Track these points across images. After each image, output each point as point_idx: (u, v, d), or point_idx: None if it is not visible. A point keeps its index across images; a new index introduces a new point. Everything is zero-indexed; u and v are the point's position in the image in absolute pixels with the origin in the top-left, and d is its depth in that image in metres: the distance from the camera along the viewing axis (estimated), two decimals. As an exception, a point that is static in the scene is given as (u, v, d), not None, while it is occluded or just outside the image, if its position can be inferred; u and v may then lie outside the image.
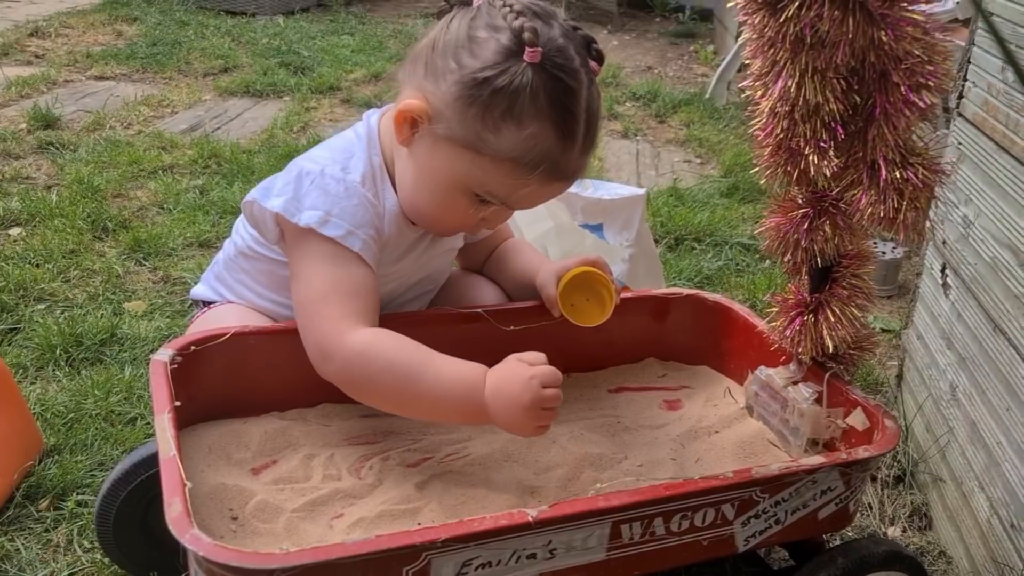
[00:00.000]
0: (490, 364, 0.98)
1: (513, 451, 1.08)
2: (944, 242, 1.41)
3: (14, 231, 2.14)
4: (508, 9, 0.98)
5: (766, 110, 0.94)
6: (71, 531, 1.21)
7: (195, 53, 4.18)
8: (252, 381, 1.10)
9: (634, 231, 1.73)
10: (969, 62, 1.36)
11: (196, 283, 1.28)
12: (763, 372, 1.17)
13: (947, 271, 1.39)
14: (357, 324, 0.99)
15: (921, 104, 0.87)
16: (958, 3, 2.77)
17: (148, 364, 1.02)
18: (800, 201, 1.02)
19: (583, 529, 0.86)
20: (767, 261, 2.24)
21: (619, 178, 2.93)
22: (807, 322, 1.07)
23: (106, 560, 1.15)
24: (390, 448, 1.08)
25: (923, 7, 0.85)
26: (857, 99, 0.91)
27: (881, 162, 0.91)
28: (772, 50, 0.90)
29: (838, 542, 1.22)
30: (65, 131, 2.94)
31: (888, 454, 1.37)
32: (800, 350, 1.10)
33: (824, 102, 0.89)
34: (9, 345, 1.65)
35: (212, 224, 2.25)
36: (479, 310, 1.20)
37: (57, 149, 2.74)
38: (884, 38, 0.84)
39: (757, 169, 1.00)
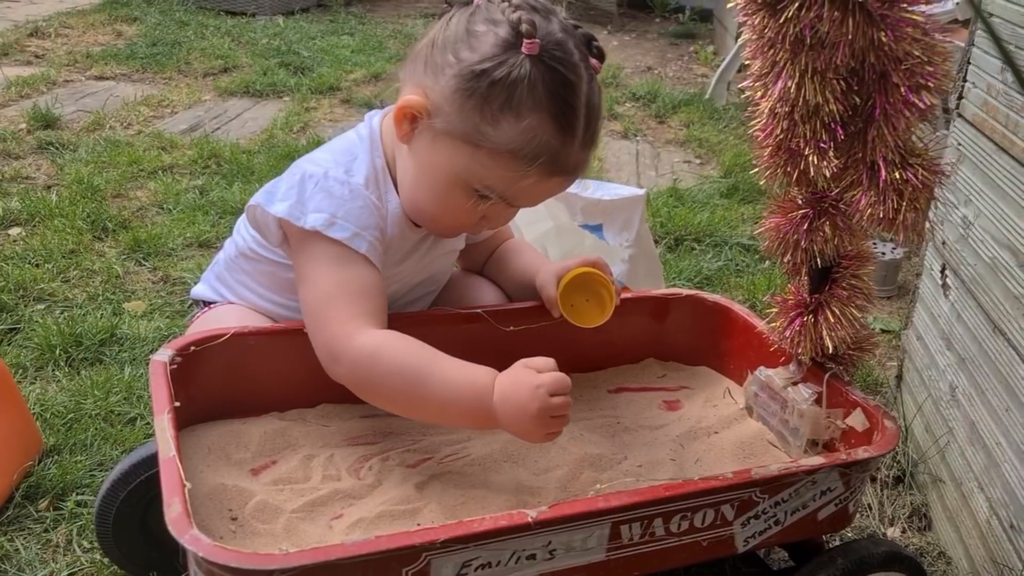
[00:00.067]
0: (490, 365, 0.97)
1: (513, 452, 1.08)
2: (944, 243, 1.41)
3: (14, 231, 2.14)
4: (507, 4, 0.99)
5: (766, 111, 0.94)
6: (70, 531, 1.21)
7: (195, 53, 4.18)
8: (252, 382, 1.10)
9: (634, 231, 1.73)
10: (969, 63, 1.36)
11: (196, 283, 1.28)
12: (763, 373, 1.17)
13: (947, 272, 1.39)
14: (365, 325, 0.98)
15: (921, 105, 0.87)
16: (958, 4, 2.77)
17: (148, 364, 1.02)
18: (800, 202, 1.02)
19: (583, 530, 0.86)
20: (767, 262, 2.24)
21: (619, 178, 2.93)
22: (807, 323, 1.07)
23: (105, 560, 1.15)
24: (390, 449, 1.08)
25: (923, 8, 0.85)
26: (857, 100, 0.91)
27: (881, 163, 0.91)
28: (772, 51, 0.90)
29: (838, 543, 1.22)
30: (65, 131, 2.94)
31: (888, 455, 1.37)
32: (800, 351, 1.10)
33: (824, 103, 0.89)
34: (9, 345, 1.65)
35: (212, 224, 2.25)
36: (479, 310, 1.20)
37: (57, 149, 2.74)
38: (884, 39, 0.84)
39: (757, 170, 1.00)
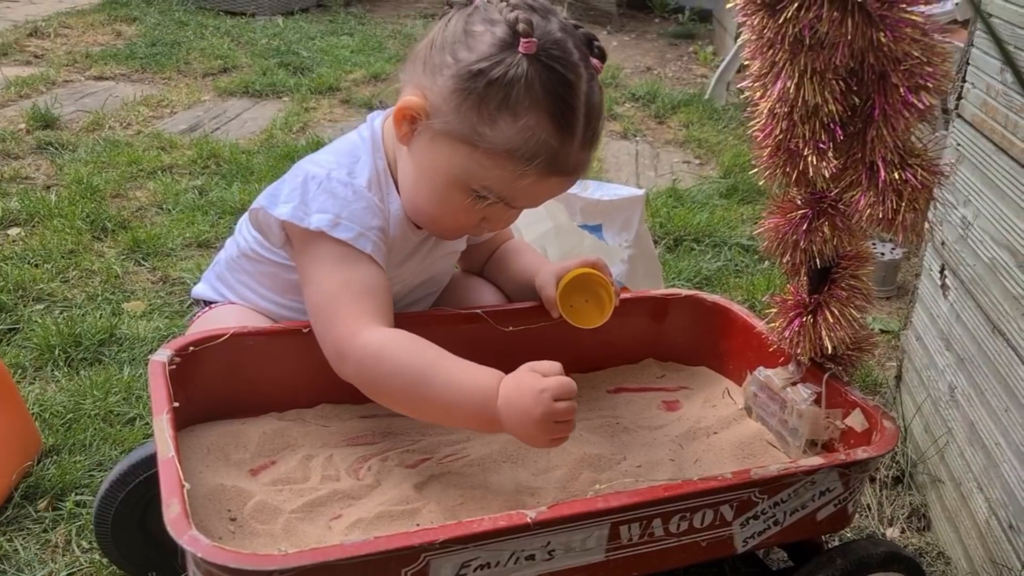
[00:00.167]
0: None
1: (512, 452, 1.08)
2: (943, 243, 1.41)
3: (13, 231, 2.14)
4: (505, 4, 0.99)
5: (765, 111, 0.94)
6: (70, 531, 1.21)
7: (194, 53, 4.18)
8: (251, 382, 1.10)
9: (633, 232, 1.73)
10: (968, 63, 1.36)
11: (196, 283, 1.28)
12: (762, 373, 1.17)
13: (946, 272, 1.39)
14: (371, 323, 0.98)
15: (920, 105, 0.87)
16: (957, 4, 2.77)
17: (147, 364, 1.02)
18: (799, 202, 1.02)
19: (582, 530, 0.86)
20: (766, 262, 2.24)
21: (618, 179, 2.93)
22: (806, 323, 1.07)
23: (104, 560, 1.15)
24: (389, 449, 1.08)
25: (922, 8, 0.85)
26: (856, 100, 0.91)
27: (880, 163, 0.91)
28: (771, 51, 0.90)
29: (837, 543, 1.22)
30: (64, 131, 2.94)
31: (887, 455, 1.37)
32: (799, 351, 1.10)
33: (823, 103, 0.89)
34: (8, 345, 1.65)
35: (211, 224, 2.25)
36: (478, 311, 1.20)
37: (56, 149, 2.74)
38: (883, 39, 0.84)
39: (756, 170, 1.00)
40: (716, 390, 1.29)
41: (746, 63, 0.95)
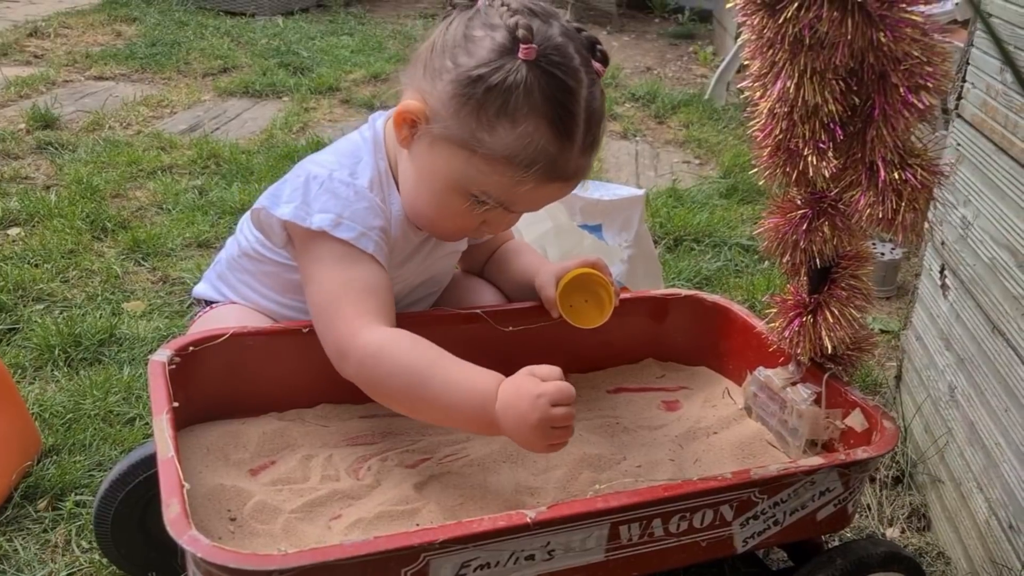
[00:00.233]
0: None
1: (512, 452, 1.08)
2: (943, 243, 1.41)
3: (13, 231, 2.14)
4: (505, 8, 0.98)
5: (765, 111, 0.94)
6: (69, 531, 1.21)
7: (194, 53, 4.18)
8: (250, 382, 1.10)
9: (633, 232, 1.73)
10: (968, 63, 1.36)
11: (197, 282, 1.28)
12: (762, 373, 1.17)
13: (946, 272, 1.39)
14: (373, 322, 0.98)
15: (920, 105, 0.87)
16: (957, 4, 2.77)
17: (147, 364, 1.02)
18: (799, 202, 1.02)
19: (582, 530, 0.86)
20: (766, 262, 2.24)
21: (618, 179, 2.93)
22: (806, 323, 1.07)
23: (104, 561, 1.15)
24: (389, 449, 1.08)
25: (922, 8, 0.85)
26: (856, 100, 0.91)
27: (880, 163, 0.91)
28: (771, 51, 0.90)
29: (837, 543, 1.22)
30: (64, 131, 2.94)
31: (887, 455, 1.37)
32: (799, 351, 1.10)
33: (823, 103, 0.89)
34: (8, 345, 1.65)
35: (211, 224, 2.25)
36: (478, 311, 1.20)
37: (56, 149, 2.74)
38: (883, 39, 0.84)
39: (756, 170, 1.00)
40: (716, 390, 1.29)
41: (746, 63, 0.95)
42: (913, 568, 1.07)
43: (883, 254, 2.18)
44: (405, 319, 1.08)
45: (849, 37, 0.83)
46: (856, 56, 0.87)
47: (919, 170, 0.91)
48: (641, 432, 1.18)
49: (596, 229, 1.73)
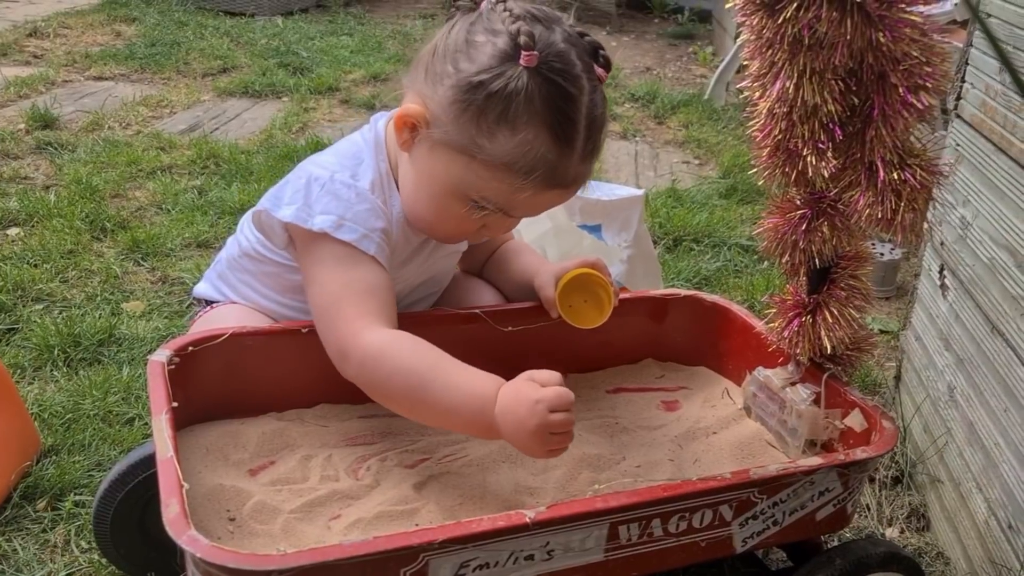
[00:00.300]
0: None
1: (511, 452, 1.08)
2: (942, 243, 1.41)
3: (12, 231, 2.14)
4: (508, 14, 0.97)
5: (764, 111, 0.94)
6: (68, 531, 1.21)
7: (194, 53, 4.18)
8: (250, 382, 1.10)
9: (632, 232, 1.73)
10: (967, 64, 1.36)
11: (197, 282, 1.28)
12: (761, 373, 1.17)
13: (945, 272, 1.39)
14: (374, 323, 0.98)
15: (919, 105, 0.87)
16: (956, 4, 2.77)
17: (146, 364, 1.02)
18: (798, 202, 1.02)
19: (581, 530, 0.86)
20: (765, 262, 2.24)
21: (618, 179, 2.93)
22: (805, 323, 1.07)
23: (103, 561, 1.14)
24: (388, 449, 1.08)
25: (921, 9, 0.85)
26: (855, 100, 0.91)
27: (879, 163, 0.91)
28: (770, 51, 0.90)
29: (836, 543, 1.22)
30: (63, 131, 2.94)
31: (886, 455, 1.37)
32: (798, 351, 1.10)
33: (822, 103, 0.89)
34: (7, 345, 1.64)
35: (210, 224, 2.25)
36: (477, 311, 1.20)
37: (55, 149, 2.74)
38: (882, 39, 0.84)
39: (755, 170, 1.00)
40: (715, 390, 1.29)
41: (745, 63, 0.95)
42: (912, 568, 1.07)
43: (882, 254, 2.18)
44: (404, 319, 1.08)
45: (848, 37, 0.83)
46: (855, 56, 0.87)
47: (918, 170, 0.91)
48: (640, 432, 1.18)
49: (595, 229, 1.73)
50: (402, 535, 0.79)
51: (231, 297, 1.19)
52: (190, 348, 1.04)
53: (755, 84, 0.94)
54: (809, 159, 0.93)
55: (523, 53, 0.94)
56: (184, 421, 1.03)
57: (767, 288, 2.04)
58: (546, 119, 0.96)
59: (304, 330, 1.09)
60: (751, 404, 1.20)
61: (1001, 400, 1.15)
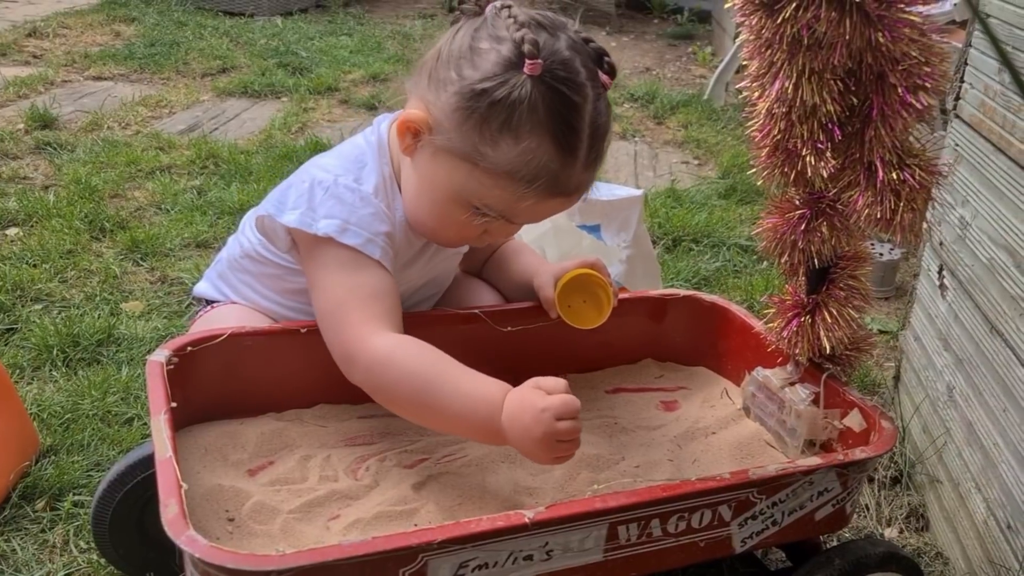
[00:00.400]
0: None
1: (510, 452, 1.08)
2: (941, 243, 1.41)
3: (11, 231, 2.14)
4: (512, 20, 0.97)
5: (763, 111, 0.94)
6: (67, 532, 1.21)
7: (193, 54, 4.18)
8: (249, 382, 1.10)
9: (632, 232, 1.73)
10: (966, 64, 1.36)
11: (197, 281, 1.28)
12: (760, 373, 1.17)
13: (944, 272, 1.40)
14: (380, 328, 0.98)
15: (918, 105, 0.87)
16: (955, 5, 2.77)
17: (145, 365, 1.02)
18: (797, 202, 1.02)
19: (580, 530, 0.86)
20: (764, 262, 2.24)
21: (617, 179, 2.93)
22: (804, 323, 1.07)
23: (102, 561, 1.14)
24: (387, 449, 1.08)
25: (920, 9, 0.85)
26: (854, 100, 0.91)
27: (878, 163, 0.91)
28: (769, 51, 0.90)
29: (835, 543, 1.22)
30: (63, 131, 2.94)
31: (885, 455, 1.37)
32: (797, 351, 1.10)
33: (821, 103, 0.89)
34: (6, 345, 1.64)
35: (210, 224, 2.25)
36: (477, 311, 1.20)
37: (55, 149, 2.74)
38: (881, 39, 0.84)
39: (755, 170, 1.00)
40: (714, 390, 1.29)
41: (744, 63, 0.95)
42: (911, 568, 1.07)
43: (881, 254, 2.18)
44: (404, 319, 1.08)
45: (847, 37, 0.83)
46: (854, 56, 0.87)
47: (917, 170, 0.91)
48: (639, 432, 1.18)
49: (595, 229, 1.73)
50: (401, 535, 0.79)
51: (231, 297, 1.19)
52: (189, 348, 1.04)
53: (754, 84, 0.94)
54: (808, 159, 0.93)
55: (527, 61, 0.93)
56: (183, 421, 1.03)
57: (766, 288, 2.04)
58: (549, 128, 0.95)
59: (303, 330, 1.09)
60: (750, 404, 1.20)
61: (1000, 400, 1.15)
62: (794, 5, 0.83)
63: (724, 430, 1.18)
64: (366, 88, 3.90)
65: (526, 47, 0.94)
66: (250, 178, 2.59)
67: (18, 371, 1.57)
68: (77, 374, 1.56)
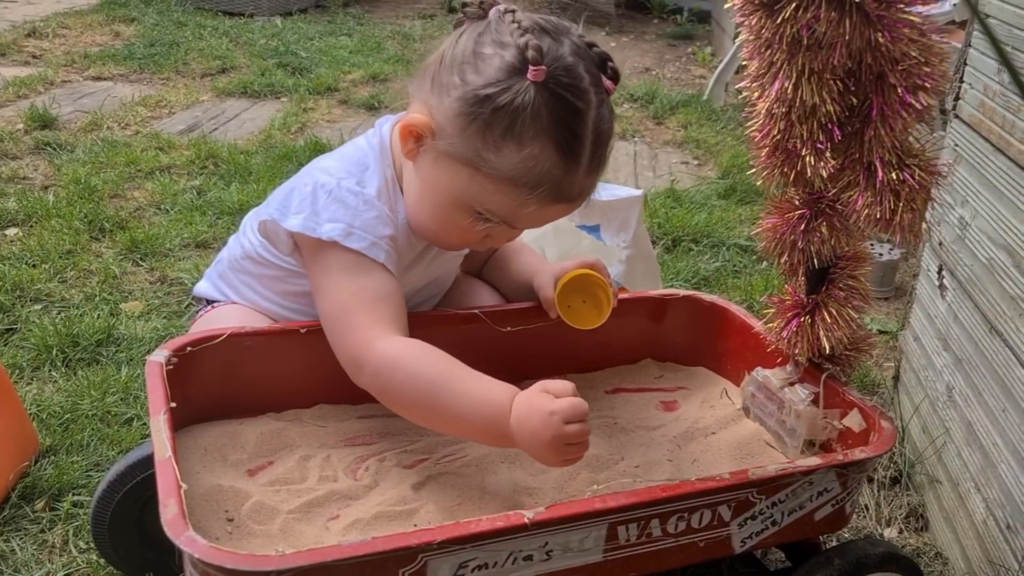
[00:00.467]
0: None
1: (510, 452, 1.08)
2: (940, 243, 1.41)
3: (11, 231, 2.14)
4: (516, 25, 0.96)
5: (763, 111, 0.94)
6: (67, 532, 1.21)
7: (193, 54, 4.18)
8: (248, 382, 1.10)
9: (631, 232, 1.73)
10: (965, 64, 1.36)
11: (197, 281, 1.28)
12: (760, 373, 1.17)
13: (943, 272, 1.40)
14: (387, 331, 0.98)
15: (918, 106, 0.87)
16: (955, 5, 2.77)
17: (144, 365, 1.02)
18: (797, 202, 1.02)
19: (580, 530, 0.86)
20: (764, 262, 2.24)
21: (617, 179, 2.93)
22: (804, 323, 1.07)
23: (101, 561, 1.14)
24: (387, 449, 1.08)
25: (920, 9, 0.85)
26: (854, 100, 0.91)
27: (878, 163, 0.91)
28: (769, 51, 0.90)
29: (835, 543, 1.22)
30: (62, 131, 2.94)
31: (884, 455, 1.37)
32: (797, 351, 1.10)
33: (821, 103, 0.89)
34: (5, 345, 1.64)
35: (209, 224, 2.25)
36: (476, 311, 1.20)
37: (54, 149, 2.74)
38: (881, 39, 0.84)
39: (754, 170, 1.00)
40: (714, 390, 1.29)
41: (744, 63, 0.95)
42: (911, 568, 1.07)
43: (881, 255, 2.18)
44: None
45: (847, 37, 0.83)
46: (854, 56, 0.87)
47: (917, 170, 0.91)
48: (639, 432, 1.18)
49: (594, 229, 1.73)
50: (401, 535, 0.79)
51: (231, 297, 1.19)
52: (188, 348, 1.04)
53: (754, 84, 0.94)
54: (808, 159, 0.93)
55: (531, 68, 0.93)
56: (182, 421, 1.03)
57: (766, 288, 2.04)
58: (552, 135, 0.95)
59: (303, 330, 1.09)
60: (750, 404, 1.20)
61: (999, 400, 1.15)
62: (794, 5, 0.83)
63: (724, 430, 1.18)
64: (366, 88, 3.89)
65: (530, 53, 0.93)
66: (250, 178, 2.59)
67: (17, 371, 1.57)
68: (76, 374, 1.56)
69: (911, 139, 0.92)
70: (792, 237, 1.02)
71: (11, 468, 1.26)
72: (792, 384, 1.12)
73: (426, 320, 1.18)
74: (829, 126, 0.92)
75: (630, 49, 5.41)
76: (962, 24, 2.70)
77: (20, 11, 4.91)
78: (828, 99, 0.89)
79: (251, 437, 1.06)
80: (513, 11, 0.99)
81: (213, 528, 0.91)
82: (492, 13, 1.00)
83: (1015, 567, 1.07)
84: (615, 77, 1.02)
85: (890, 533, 1.35)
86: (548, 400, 0.91)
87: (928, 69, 0.86)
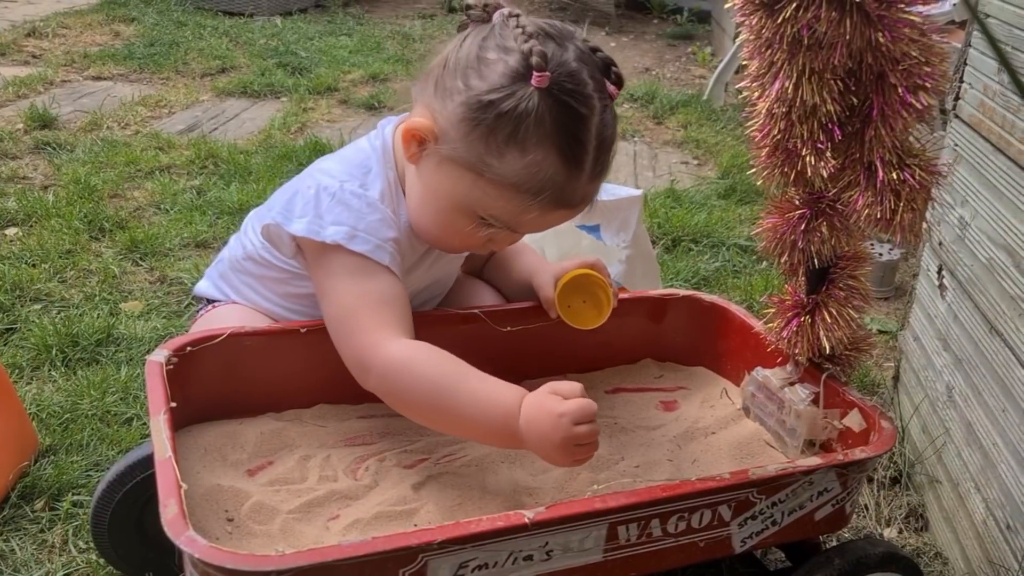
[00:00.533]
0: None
1: (510, 452, 1.08)
2: (940, 243, 1.41)
3: (10, 231, 2.13)
4: (520, 30, 0.96)
5: (763, 111, 0.94)
6: (66, 532, 1.21)
7: (192, 54, 4.18)
8: (248, 382, 1.10)
9: (631, 232, 1.73)
10: (965, 64, 1.36)
11: (197, 280, 1.28)
12: (760, 373, 1.17)
13: (943, 272, 1.40)
14: (393, 334, 0.98)
15: (918, 105, 0.87)
16: (955, 5, 2.77)
17: (144, 365, 1.02)
18: (797, 202, 1.02)
19: (580, 530, 0.86)
20: (764, 262, 2.24)
21: (617, 179, 2.93)
22: (804, 323, 1.07)
23: (101, 561, 1.14)
24: (387, 449, 1.08)
25: (920, 9, 0.85)
26: (854, 100, 0.91)
27: (878, 163, 0.91)
28: (769, 51, 0.90)
29: (835, 543, 1.22)
30: (62, 131, 2.94)
31: (884, 455, 1.37)
32: (797, 351, 1.10)
33: (821, 103, 0.89)
34: (5, 345, 1.64)
35: (209, 224, 2.25)
36: (476, 311, 1.20)
37: (54, 149, 2.74)
38: (881, 39, 0.84)
39: (754, 170, 1.00)
40: (714, 390, 1.29)
41: (744, 63, 0.95)
42: (911, 568, 1.07)
43: (881, 255, 2.18)
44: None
45: (847, 37, 0.83)
46: (854, 56, 0.87)
47: (917, 170, 0.91)
48: (639, 432, 1.18)
49: (594, 229, 1.73)
50: (401, 535, 0.79)
51: (232, 297, 1.19)
52: (188, 348, 1.04)
53: (754, 84, 0.94)
54: (808, 159, 0.93)
55: (535, 74, 0.93)
56: (182, 421, 1.03)
57: (766, 288, 2.04)
58: (556, 141, 0.95)
59: (303, 330, 1.09)
60: (750, 404, 1.20)
61: (999, 400, 1.15)
62: (794, 5, 0.83)
63: (724, 430, 1.18)
64: (365, 88, 3.89)
65: (534, 59, 0.93)
66: (250, 178, 2.59)
67: (17, 371, 1.56)
68: (76, 374, 1.56)
69: (911, 139, 0.92)
70: (792, 237, 1.02)
71: (11, 468, 1.26)
72: (792, 384, 1.12)
73: (427, 320, 1.18)
74: (829, 126, 0.92)
75: (630, 49, 5.41)
76: (962, 24, 2.71)
77: (20, 11, 4.91)
78: (828, 99, 0.89)
79: (251, 437, 1.06)
80: (517, 15, 0.99)
81: (213, 528, 0.91)
82: (496, 17, 1.00)
83: (1015, 567, 1.07)
84: (619, 82, 1.01)
85: (890, 533, 1.35)
86: (557, 402, 0.91)
87: (928, 69, 0.86)
